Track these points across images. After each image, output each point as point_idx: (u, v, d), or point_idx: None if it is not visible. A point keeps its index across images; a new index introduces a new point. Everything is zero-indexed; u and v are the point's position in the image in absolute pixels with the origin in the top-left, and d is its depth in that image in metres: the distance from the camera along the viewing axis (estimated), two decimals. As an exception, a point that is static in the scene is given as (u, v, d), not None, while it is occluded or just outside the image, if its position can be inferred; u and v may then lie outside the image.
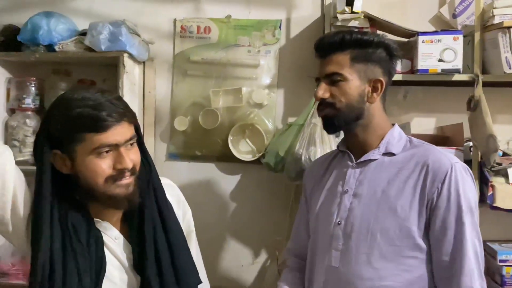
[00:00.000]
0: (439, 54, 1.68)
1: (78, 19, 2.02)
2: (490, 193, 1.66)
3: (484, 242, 1.82)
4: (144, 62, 2.02)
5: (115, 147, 1.00)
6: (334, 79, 1.15)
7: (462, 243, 1.07)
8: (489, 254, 1.81)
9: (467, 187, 1.10)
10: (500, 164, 1.67)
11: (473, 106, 1.67)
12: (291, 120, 1.94)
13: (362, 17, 1.71)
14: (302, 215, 1.37)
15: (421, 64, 1.69)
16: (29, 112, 1.99)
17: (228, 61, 2.03)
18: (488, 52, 1.71)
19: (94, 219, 1.06)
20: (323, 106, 1.18)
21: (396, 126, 1.22)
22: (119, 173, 1.01)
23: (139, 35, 1.94)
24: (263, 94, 2.00)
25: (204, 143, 2.05)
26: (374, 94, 1.17)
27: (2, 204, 1.00)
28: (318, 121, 1.72)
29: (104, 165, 1.00)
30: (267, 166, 1.86)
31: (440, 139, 1.86)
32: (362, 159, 1.19)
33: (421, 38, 1.69)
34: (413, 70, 1.74)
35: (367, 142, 1.19)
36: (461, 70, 1.68)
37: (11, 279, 1.95)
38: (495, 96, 1.79)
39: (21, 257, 1.96)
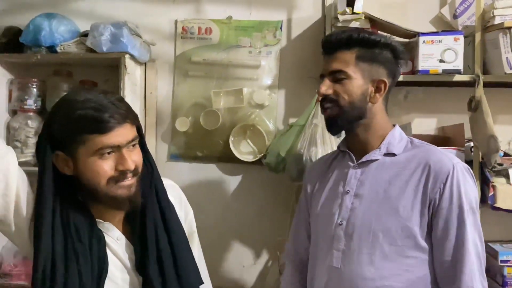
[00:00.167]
0: (440, 54, 1.68)
1: (79, 20, 2.03)
2: (491, 193, 1.66)
3: (486, 242, 1.81)
4: (145, 63, 2.02)
5: (117, 148, 1.00)
6: (338, 77, 1.15)
7: (463, 243, 1.07)
8: (491, 255, 1.81)
9: (468, 187, 1.10)
10: (501, 165, 1.67)
11: (474, 106, 1.67)
12: (292, 120, 1.95)
13: (363, 18, 1.71)
14: (301, 216, 1.37)
15: (422, 65, 1.69)
16: (31, 113, 2.00)
17: (229, 62, 2.03)
18: (489, 52, 1.71)
19: (96, 219, 1.06)
20: (326, 102, 1.17)
21: (397, 126, 1.23)
22: (121, 174, 1.01)
23: (140, 36, 1.95)
24: (264, 94, 2.01)
25: (205, 143, 2.05)
26: (377, 95, 1.17)
27: (6, 204, 1.00)
28: (319, 121, 1.72)
29: (106, 167, 1.00)
30: (268, 167, 1.87)
31: (441, 139, 1.86)
32: (363, 159, 1.19)
33: (421, 38, 1.69)
34: (414, 71, 1.74)
35: (368, 143, 1.20)
36: (462, 70, 1.68)
37: (13, 280, 1.96)
38: (496, 96, 1.80)
39: (23, 258, 1.96)
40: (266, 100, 2.01)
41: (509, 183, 1.66)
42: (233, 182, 2.06)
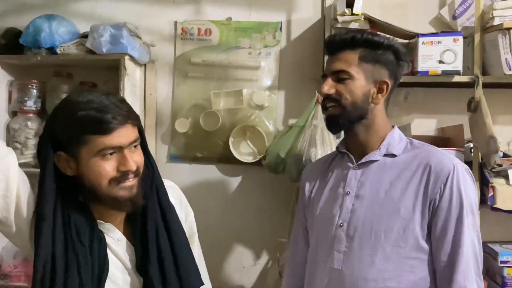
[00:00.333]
0: (439, 55, 1.68)
1: (79, 21, 2.03)
2: (490, 194, 1.66)
3: (485, 243, 1.84)
4: (145, 64, 2.03)
5: (119, 149, 1.01)
6: (340, 77, 1.16)
7: (460, 243, 1.07)
8: (490, 255, 1.81)
9: (468, 187, 1.11)
10: (500, 165, 1.67)
11: (473, 107, 1.67)
12: (292, 121, 1.95)
13: (362, 19, 1.71)
14: (299, 219, 1.35)
15: (422, 66, 1.69)
16: (31, 115, 2.00)
17: (229, 63, 2.04)
18: (488, 53, 1.71)
19: (97, 220, 1.07)
20: (328, 102, 1.18)
21: (396, 128, 1.23)
22: (122, 175, 1.02)
23: (140, 38, 1.95)
24: (264, 95, 2.01)
25: (205, 145, 2.05)
26: (379, 95, 1.17)
27: (6, 205, 1.00)
28: (318, 122, 1.72)
29: (108, 167, 1.00)
30: (268, 168, 1.87)
31: (441, 140, 1.86)
32: (363, 160, 1.19)
33: (421, 39, 1.70)
34: (413, 72, 1.74)
35: (367, 143, 1.20)
36: (461, 71, 1.69)
37: (13, 281, 1.96)
38: (495, 97, 1.80)
39: (23, 259, 1.96)
40: (266, 101, 2.01)
41: (509, 184, 1.66)
42: (233, 183, 2.06)
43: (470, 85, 1.70)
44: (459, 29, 1.88)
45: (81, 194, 1.06)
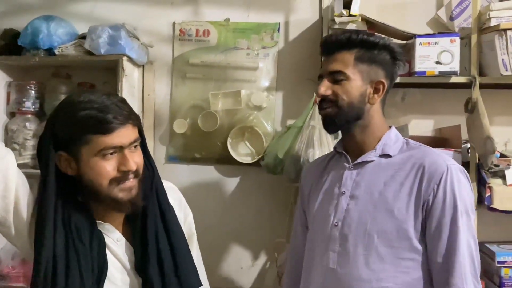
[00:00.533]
0: (437, 56, 1.69)
1: (78, 22, 2.03)
2: (488, 194, 1.67)
3: (483, 243, 1.85)
4: (143, 65, 2.03)
5: (120, 149, 1.02)
6: (337, 78, 1.16)
7: (455, 244, 1.07)
8: (488, 256, 1.82)
9: (463, 189, 1.10)
10: (497, 166, 1.67)
11: (470, 108, 1.68)
12: (290, 122, 1.95)
13: (360, 20, 1.71)
14: (298, 218, 1.37)
15: (419, 66, 1.70)
16: (29, 116, 2.00)
17: (227, 64, 2.04)
18: (485, 54, 1.72)
19: (97, 221, 1.07)
20: (325, 103, 1.18)
21: (393, 128, 1.23)
22: (123, 175, 1.02)
23: (138, 39, 1.95)
24: (262, 96, 2.01)
25: (204, 145, 2.05)
26: (375, 96, 1.18)
27: (5, 206, 1.01)
28: (316, 123, 1.73)
29: (108, 167, 1.01)
30: (266, 168, 1.87)
31: (439, 140, 1.86)
32: (359, 160, 1.19)
33: (418, 40, 1.70)
34: (410, 72, 1.75)
35: (364, 144, 1.20)
36: (458, 72, 1.69)
37: (11, 282, 1.96)
38: (492, 98, 1.81)
39: (21, 260, 1.96)
40: (264, 102, 2.01)
41: (506, 184, 1.67)
42: (231, 183, 2.06)
43: (467, 85, 1.70)
44: (456, 30, 1.88)
45: (81, 194, 1.06)
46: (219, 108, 2.01)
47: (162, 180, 1.15)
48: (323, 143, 1.71)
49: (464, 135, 1.75)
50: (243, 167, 2.02)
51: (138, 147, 1.07)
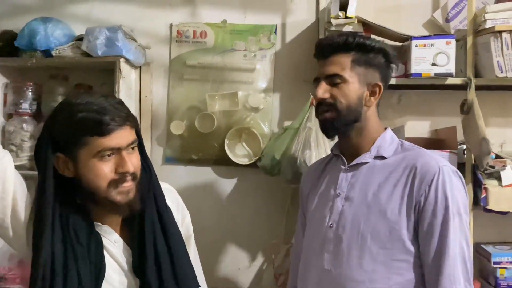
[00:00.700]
0: (432, 58, 1.69)
1: (75, 24, 2.03)
2: (483, 195, 1.68)
3: (478, 244, 1.86)
4: (140, 67, 2.03)
5: (117, 150, 1.02)
6: (334, 81, 1.16)
7: (445, 245, 1.07)
8: (483, 256, 1.83)
9: (455, 190, 1.10)
10: (493, 167, 1.68)
11: (466, 109, 1.69)
12: (287, 123, 1.96)
13: (356, 22, 1.72)
14: (300, 224, 1.37)
15: (415, 68, 1.71)
16: (26, 117, 2.00)
17: (224, 66, 2.05)
18: (480, 56, 1.73)
19: (95, 222, 1.07)
20: (323, 106, 1.18)
21: (389, 130, 1.24)
22: (121, 178, 1.02)
23: (135, 40, 1.96)
24: (259, 98, 2.02)
25: (201, 147, 2.06)
26: (372, 98, 1.19)
27: (3, 208, 1.01)
28: (313, 124, 1.74)
29: (106, 169, 1.01)
30: (263, 170, 1.88)
31: (435, 142, 1.87)
32: (354, 162, 1.20)
33: (414, 42, 1.71)
34: (407, 74, 1.76)
35: (360, 146, 1.21)
36: (454, 74, 1.70)
37: (8, 284, 1.95)
38: (488, 99, 1.82)
39: (18, 261, 1.96)
40: (261, 104, 2.02)
41: (501, 185, 1.68)
42: (228, 185, 2.06)
43: (463, 87, 1.71)
44: (452, 32, 1.89)
45: (79, 196, 1.07)
46: (216, 110, 2.02)
47: (160, 182, 1.16)
48: (320, 145, 1.71)
49: (460, 136, 1.76)
50: (240, 169, 2.02)
51: (136, 148, 1.07)
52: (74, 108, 1.01)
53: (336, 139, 1.30)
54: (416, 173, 1.12)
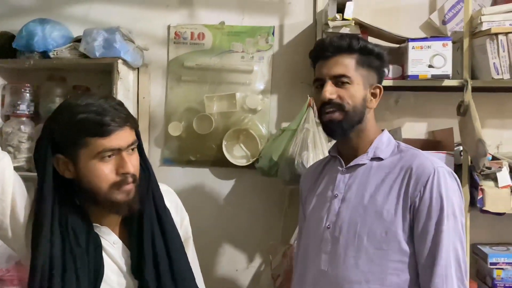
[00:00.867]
0: (429, 60, 1.70)
1: (73, 25, 2.04)
2: (480, 196, 1.68)
3: (475, 245, 1.87)
4: (138, 68, 2.03)
5: (118, 151, 1.02)
6: (342, 81, 1.16)
7: (439, 246, 1.07)
8: (480, 257, 1.83)
9: (450, 191, 1.11)
10: (489, 168, 1.69)
11: (462, 111, 1.70)
12: (284, 125, 1.96)
13: (353, 24, 1.73)
14: (300, 222, 1.38)
15: (411, 70, 1.71)
16: (24, 118, 2.00)
17: (222, 67, 2.05)
18: (477, 58, 1.74)
19: (93, 223, 1.08)
20: (330, 107, 1.16)
21: (385, 131, 1.25)
22: (123, 179, 1.03)
23: (133, 42, 1.96)
24: (256, 99, 2.02)
25: (198, 148, 2.06)
26: (373, 100, 1.20)
27: (2, 209, 1.01)
28: (311, 126, 1.74)
29: (106, 170, 1.02)
30: (261, 171, 1.88)
31: (431, 143, 1.88)
32: (351, 163, 1.21)
33: (411, 44, 1.72)
34: (403, 76, 1.76)
35: (358, 147, 1.21)
36: (451, 75, 1.71)
37: (5, 285, 1.95)
38: (484, 101, 1.83)
39: (15, 263, 1.95)
40: (259, 105, 2.02)
41: (498, 187, 1.68)
42: (226, 186, 2.07)
43: (460, 89, 1.72)
44: (449, 34, 1.90)
45: (78, 197, 1.07)
46: (214, 111, 2.02)
47: (159, 183, 1.16)
48: (317, 146, 1.72)
49: (457, 137, 1.77)
50: (238, 170, 2.02)
51: (135, 150, 1.08)
52: (74, 110, 1.01)
53: (334, 140, 1.31)
54: (412, 174, 1.12)
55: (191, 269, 1.14)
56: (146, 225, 1.08)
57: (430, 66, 1.70)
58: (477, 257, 1.86)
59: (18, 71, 2.07)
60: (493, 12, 1.67)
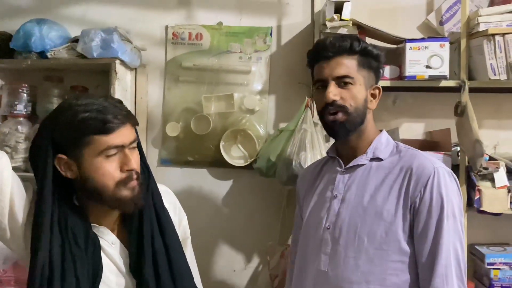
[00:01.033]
0: (427, 60, 1.71)
1: (70, 26, 2.03)
2: (477, 197, 1.69)
3: (472, 245, 1.87)
4: (136, 69, 2.03)
5: (121, 148, 1.03)
6: (345, 81, 1.16)
7: (439, 246, 1.07)
8: (477, 257, 1.84)
9: (450, 191, 1.11)
10: (486, 169, 1.70)
11: (460, 111, 1.70)
12: (282, 125, 1.96)
13: (351, 25, 1.73)
14: (297, 226, 1.37)
15: (409, 71, 1.72)
16: (21, 119, 1.99)
17: (220, 68, 2.05)
18: (474, 58, 1.75)
19: (92, 224, 1.08)
20: (334, 108, 1.16)
21: (384, 132, 1.25)
22: (128, 176, 1.03)
23: (131, 42, 1.96)
24: (254, 100, 2.02)
25: (196, 148, 2.06)
26: (373, 101, 1.21)
27: (0, 209, 1.01)
28: (308, 126, 1.74)
29: (111, 168, 1.02)
30: (259, 171, 1.88)
31: (429, 144, 1.89)
32: (351, 164, 1.21)
33: (408, 45, 1.72)
34: (401, 76, 1.77)
35: (357, 148, 1.22)
36: (448, 76, 1.72)
37: (3, 286, 1.95)
38: (481, 101, 1.84)
39: (13, 263, 1.95)
40: (257, 105, 2.02)
41: (495, 187, 1.69)
42: (224, 186, 2.07)
43: (457, 89, 1.73)
44: (446, 34, 1.91)
45: (77, 197, 1.07)
46: (211, 111, 2.02)
47: (157, 184, 1.16)
48: (315, 146, 1.72)
49: (454, 138, 1.78)
50: (235, 170, 2.03)
51: (136, 148, 1.09)
52: (75, 109, 1.01)
53: (332, 141, 1.31)
54: (412, 174, 1.13)
55: (189, 268, 1.14)
56: (145, 225, 1.09)
57: (427, 66, 1.71)
58: (474, 257, 1.86)
59: (16, 71, 2.07)
60: (490, 13, 1.68)
